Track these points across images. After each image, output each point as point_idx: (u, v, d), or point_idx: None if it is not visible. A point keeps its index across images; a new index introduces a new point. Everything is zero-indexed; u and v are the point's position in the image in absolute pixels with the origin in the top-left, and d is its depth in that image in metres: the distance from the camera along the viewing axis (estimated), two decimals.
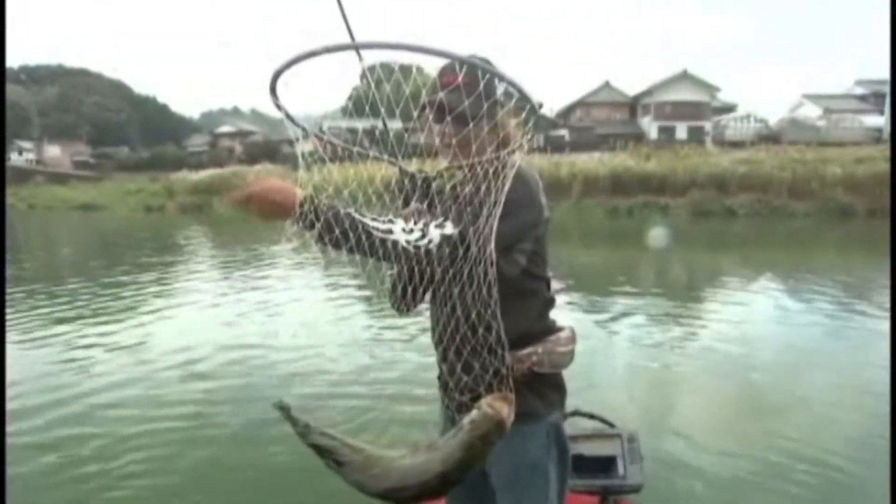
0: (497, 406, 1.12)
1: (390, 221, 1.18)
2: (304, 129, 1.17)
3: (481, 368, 1.26)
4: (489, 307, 1.19)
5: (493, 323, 1.21)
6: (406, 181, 1.31)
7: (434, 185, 1.36)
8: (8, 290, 8.31)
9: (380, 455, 1.13)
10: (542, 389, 1.38)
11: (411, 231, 1.17)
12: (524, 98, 1.11)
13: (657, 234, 13.07)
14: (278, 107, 1.08)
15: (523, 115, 1.22)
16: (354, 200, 1.22)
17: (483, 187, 1.22)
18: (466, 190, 1.26)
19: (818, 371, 4.90)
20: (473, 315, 1.23)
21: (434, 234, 1.18)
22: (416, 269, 1.21)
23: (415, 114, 1.27)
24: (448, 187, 1.38)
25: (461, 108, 1.19)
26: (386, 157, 1.31)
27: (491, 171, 1.21)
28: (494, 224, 1.17)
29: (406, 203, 1.30)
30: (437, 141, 1.32)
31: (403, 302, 1.36)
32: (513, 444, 1.38)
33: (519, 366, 1.33)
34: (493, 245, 1.18)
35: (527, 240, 1.34)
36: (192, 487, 3.05)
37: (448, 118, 1.27)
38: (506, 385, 1.20)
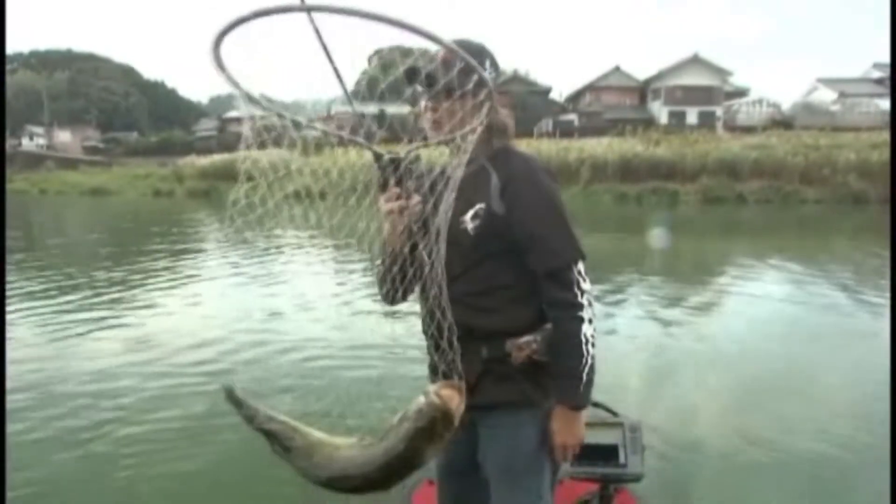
0: (445, 395, 1.01)
1: (588, 346, 1.33)
2: (249, 98, 1.05)
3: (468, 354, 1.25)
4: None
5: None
6: (380, 164, 1.24)
7: (404, 165, 1.30)
8: (22, 276, 8.41)
9: (327, 442, 1.05)
10: (538, 378, 1.38)
11: (591, 321, 1.34)
12: (483, 82, 1.07)
13: (657, 236, 12.92)
14: (226, 76, 0.96)
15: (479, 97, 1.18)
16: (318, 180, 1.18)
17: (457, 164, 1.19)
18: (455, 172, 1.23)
19: (825, 360, 4.86)
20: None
21: (588, 305, 1.34)
22: (401, 262, 1.20)
23: (409, 89, 1.24)
24: (423, 167, 1.33)
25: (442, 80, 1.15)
26: (346, 137, 1.22)
27: (465, 146, 1.18)
28: (451, 198, 1.16)
29: (384, 187, 1.25)
30: (421, 115, 1.31)
31: (391, 292, 1.37)
32: (508, 432, 1.39)
33: (518, 353, 1.34)
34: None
35: None
36: (207, 467, 3.09)
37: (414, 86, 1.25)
38: (456, 372, 1.12)
